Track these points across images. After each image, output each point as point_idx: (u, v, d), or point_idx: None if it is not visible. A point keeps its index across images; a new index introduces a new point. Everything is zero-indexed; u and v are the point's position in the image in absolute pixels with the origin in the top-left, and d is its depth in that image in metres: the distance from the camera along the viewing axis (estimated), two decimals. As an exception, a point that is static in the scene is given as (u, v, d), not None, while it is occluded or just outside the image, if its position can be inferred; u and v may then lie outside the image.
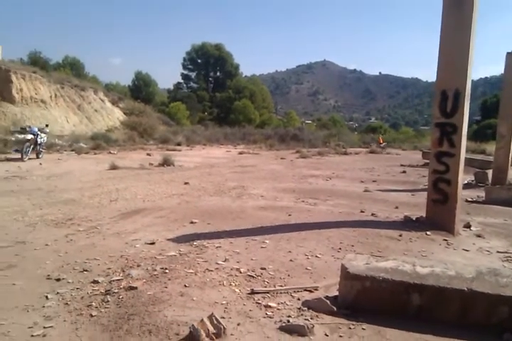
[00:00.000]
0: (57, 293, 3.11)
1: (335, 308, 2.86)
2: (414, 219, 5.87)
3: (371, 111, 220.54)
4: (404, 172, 13.14)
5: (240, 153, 20.49)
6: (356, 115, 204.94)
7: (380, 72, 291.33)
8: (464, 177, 5.80)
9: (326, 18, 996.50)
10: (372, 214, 6.32)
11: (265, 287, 3.29)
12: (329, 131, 35.70)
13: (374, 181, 10.57)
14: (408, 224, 5.65)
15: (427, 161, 13.81)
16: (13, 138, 16.09)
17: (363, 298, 2.90)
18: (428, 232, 5.23)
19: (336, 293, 3.10)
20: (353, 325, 2.69)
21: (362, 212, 6.53)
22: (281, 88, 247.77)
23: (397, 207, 7.02)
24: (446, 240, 4.98)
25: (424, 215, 5.80)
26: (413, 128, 75.10)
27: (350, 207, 6.88)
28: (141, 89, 47.49)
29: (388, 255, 3.96)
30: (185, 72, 55.31)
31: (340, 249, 4.44)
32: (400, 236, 5.06)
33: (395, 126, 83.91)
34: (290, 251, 4.29)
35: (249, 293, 3.15)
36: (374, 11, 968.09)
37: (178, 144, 24.35)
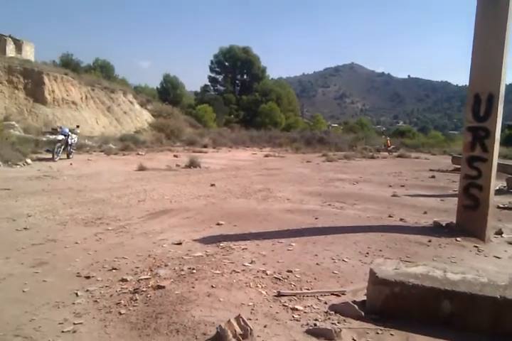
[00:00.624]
0: (87, 290, 3.17)
1: (363, 313, 2.83)
2: (443, 224, 5.76)
3: (399, 114, 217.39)
4: (433, 177, 12.90)
5: (266, 156, 20.50)
6: (384, 119, 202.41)
7: (408, 76, 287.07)
8: (495, 182, 5.66)
9: (355, 21, 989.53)
10: (401, 219, 6.22)
11: (292, 290, 3.27)
12: (356, 135, 35.38)
13: (402, 186, 10.40)
14: (438, 230, 5.55)
15: (457, 166, 13.57)
16: (44, 139, 16.50)
17: (391, 304, 2.85)
18: (458, 238, 5.12)
19: (364, 298, 3.06)
20: (381, 330, 2.65)
21: (390, 216, 6.44)
22: (307, 91, 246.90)
23: (426, 213, 6.89)
24: (476, 247, 4.86)
25: (454, 221, 5.69)
26: (442, 132, 73.61)
27: (378, 212, 6.79)
28: (169, 92, 48.10)
29: (417, 261, 3.89)
30: (213, 74, 55.71)
31: (367, 253, 4.39)
32: (430, 241, 4.97)
33: (423, 130, 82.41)
34: (316, 255, 4.26)
35: (275, 296, 3.14)
36: (403, 13, 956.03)
37: (205, 146, 24.57)
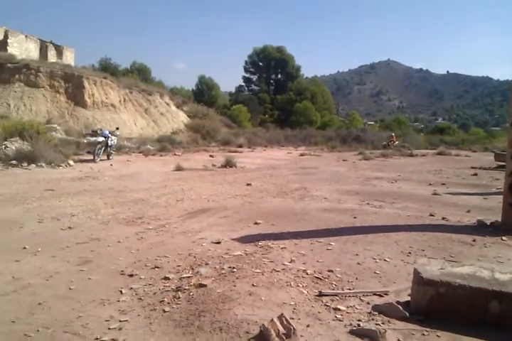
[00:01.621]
0: (131, 288, 3.22)
1: (407, 314, 2.76)
2: (488, 223, 5.57)
3: (438, 111, 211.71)
4: (475, 174, 12.51)
5: (301, 155, 20.42)
6: (422, 116, 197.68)
7: (447, 71, 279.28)
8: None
9: (390, 17, 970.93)
10: (443, 218, 6.06)
11: (333, 289, 3.23)
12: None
13: (443, 184, 10.14)
14: (482, 229, 5.37)
15: (500, 163, 13.13)
16: (85, 141, 17.00)
17: (437, 304, 2.77)
18: (504, 237, 4.94)
19: (407, 299, 2.99)
20: (426, 331, 2.58)
21: (431, 215, 6.28)
22: (342, 89, 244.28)
23: (468, 211, 6.69)
24: (524, 246, 4.68)
25: (498, 219, 5.50)
26: (483, 128, 71.30)
27: (419, 211, 6.64)
28: (204, 93, 48.64)
29: (462, 261, 3.78)
30: (247, 75, 56.04)
31: (409, 253, 4.30)
32: (474, 241, 4.82)
33: (464, 127, 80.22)
34: (357, 254, 4.20)
35: (317, 295, 3.11)
36: (441, 6, 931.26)
37: (240, 146, 24.71)
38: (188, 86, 71.54)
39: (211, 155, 17.84)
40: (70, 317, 2.74)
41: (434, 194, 8.40)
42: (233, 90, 57.48)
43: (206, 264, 3.79)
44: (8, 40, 28.19)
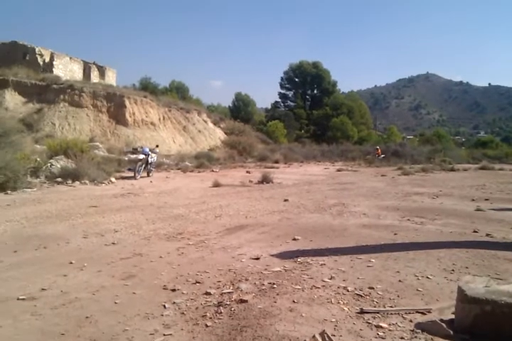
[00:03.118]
0: (174, 302, 3.30)
1: (451, 332, 2.71)
2: (536, 240, 5.37)
3: (480, 124, 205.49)
4: (520, 189, 12.07)
5: (338, 170, 20.26)
6: (463, 129, 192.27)
7: (489, 84, 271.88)
8: None
9: (429, 29, 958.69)
10: (487, 235, 5.88)
11: (374, 307, 3.20)
12: (433, 147, 33.95)
13: (486, 199, 9.83)
14: (529, 246, 5.18)
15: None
16: (126, 158, 17.49)
17: (482, 323, 2.70)
18: (553, 255, 4.75)
19: (451, 317, 2.93)
20: (471, 350, 2.52)
21: (475, 232, 6.10)
22: (380, 103, 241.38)
23: (514, 228, 6.47)
24: None
25: (547, 237, 5.29)
26: (529, 142, 68.51)
27: (462, 227, 6.46)
28: (240, 109, 49.34)
29: (507, 278, 3.67)
30: (283, 91, 56.47)
31: (453, 270, 4.20)
32: (521, 258, 4.65)
33: (507, 140, 77.44)
34: (398, 271, 4.14)
35: (358, 312, 3.08)
36: (480, 17, 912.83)
37: (276, 162, 24.78)
38: (224, 103, 72.75)
39: (248, 171, 17.97)
40: (116, 330, 2.83)
41: (478, 210, 8.16)
42: (269, 106, 58.00)
43: (246, 280, 3.83)
44: (54, 62, 29.65)
